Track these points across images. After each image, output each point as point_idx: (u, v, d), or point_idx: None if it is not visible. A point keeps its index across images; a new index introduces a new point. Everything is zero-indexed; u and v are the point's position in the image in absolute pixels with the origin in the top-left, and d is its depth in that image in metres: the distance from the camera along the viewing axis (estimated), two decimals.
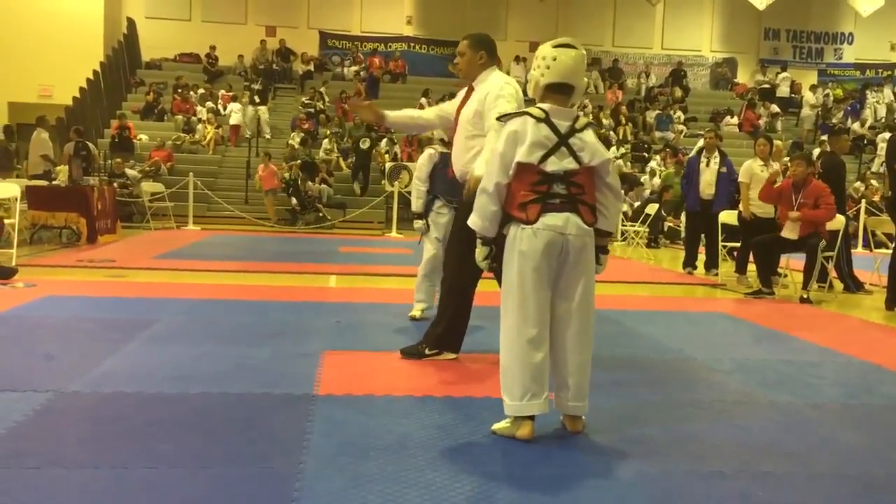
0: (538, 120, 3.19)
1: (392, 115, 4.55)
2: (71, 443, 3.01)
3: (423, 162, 5.85)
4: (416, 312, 5.77)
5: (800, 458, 3.18)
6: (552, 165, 3.17)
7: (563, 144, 3.18)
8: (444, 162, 5.64)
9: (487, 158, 3.54)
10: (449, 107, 4.65)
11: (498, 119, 3.43)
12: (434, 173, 5.74)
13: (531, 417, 3.17)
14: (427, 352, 4.59)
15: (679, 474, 2.93)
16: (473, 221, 3.31)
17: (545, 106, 3.24)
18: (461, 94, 4.54)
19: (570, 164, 3.18)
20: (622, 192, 3.39)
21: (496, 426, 3.27)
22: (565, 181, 3.18)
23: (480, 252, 3.33)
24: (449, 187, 5.59)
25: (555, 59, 3.22)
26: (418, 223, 5.80)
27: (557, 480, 2.81)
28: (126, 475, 2.72)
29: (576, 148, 3.20)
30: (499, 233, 3.28)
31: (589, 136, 3.25)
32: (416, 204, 5.83)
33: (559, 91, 3.25)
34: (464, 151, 4.38)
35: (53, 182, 11.40)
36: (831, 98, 23.72)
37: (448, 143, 5.59)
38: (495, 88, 4.25)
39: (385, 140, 18.78)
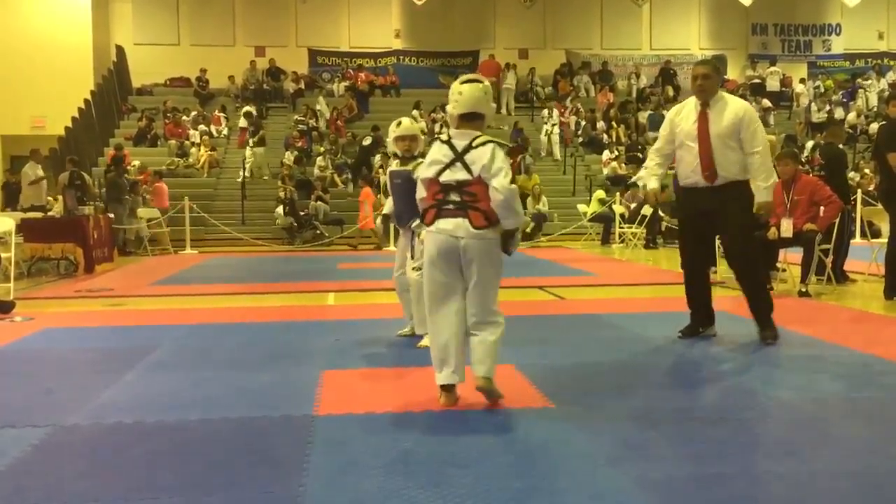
0: (442, 142, 3.86)
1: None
2: (71, 477, 2.99)
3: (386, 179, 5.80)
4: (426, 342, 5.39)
5: (802, 456, 3.17)
6: (445, 177, 3.78)
7: (459, 160, 3.75)
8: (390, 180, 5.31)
9: None
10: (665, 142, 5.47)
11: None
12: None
13: (448, 387, 3.81)
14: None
15: (681, 479, 2.91)
16: None
17: (453, 131, 3.86)
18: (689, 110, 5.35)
19: (462, 175, 3.74)
20: (512, 191, 3.69)
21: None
22: (459, 190, 3.75)
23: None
24: (398, 210, 5.21)
25: (461, 94, 3.79)
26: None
27: (561, 491, 2.80)
28: None
29: (469, 162, 3.74)
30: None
31: (480, 151, 3.72)
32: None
33: (469, 119, 3.83)
34: (724, 161, 5.22)
35: (49, 213, 11.42)
36: (822, 90, 23.75)
37: (400, 158, 5.30)
38: (749, 113, 5.26)
39: (380, 154, 18.78)
